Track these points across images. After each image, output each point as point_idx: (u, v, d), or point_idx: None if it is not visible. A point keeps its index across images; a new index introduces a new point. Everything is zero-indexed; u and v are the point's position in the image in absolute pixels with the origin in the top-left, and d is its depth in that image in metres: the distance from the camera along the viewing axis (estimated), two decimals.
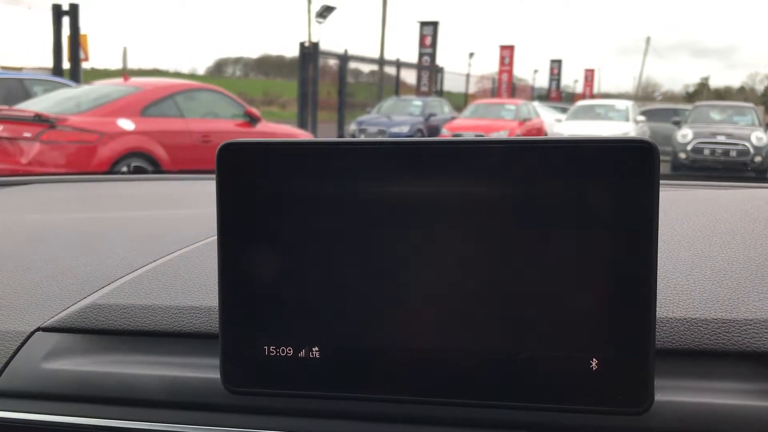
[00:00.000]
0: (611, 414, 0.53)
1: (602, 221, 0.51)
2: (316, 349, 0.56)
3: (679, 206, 0.85)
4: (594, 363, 0.53)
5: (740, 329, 0.58)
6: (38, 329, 0.69)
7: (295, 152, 0.55)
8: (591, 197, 0.51)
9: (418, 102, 16.21)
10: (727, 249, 0.69)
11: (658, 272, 0.55)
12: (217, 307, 0.57)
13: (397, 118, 14.56)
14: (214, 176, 0.56)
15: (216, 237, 0.56)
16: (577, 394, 0.53)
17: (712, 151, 10.89)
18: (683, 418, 0.56)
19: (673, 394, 0.57)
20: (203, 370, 0.63)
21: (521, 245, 0.53)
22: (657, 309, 0.56)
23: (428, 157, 0.53)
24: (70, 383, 0.64)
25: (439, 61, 24.24)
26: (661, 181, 0.51)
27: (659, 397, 0.54)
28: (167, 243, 0.82)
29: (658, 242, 0.52)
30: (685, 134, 11.23)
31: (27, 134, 5.43)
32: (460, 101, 24.93)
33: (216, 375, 0.58)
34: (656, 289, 0.51)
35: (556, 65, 41.04)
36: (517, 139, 0.53)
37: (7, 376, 0.66)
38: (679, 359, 0.59)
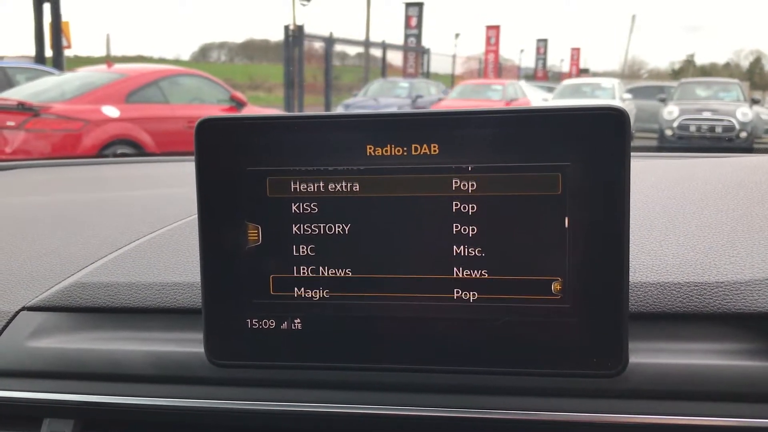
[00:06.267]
0: (586, 377, 0.54)
1: (575, 186, 0.52)
2: (298, 321, 0.57)
3: (655, 174, 0.86)
4: (568, 327, 0.54)
5: (711, 292, 0.60)
6: (23, 308, 0.69)
7: (273, 127, 0.56)
8: (563, 163, 0.52)
9: (404, 84, 16.15)
10: (699, 215, 0.71)
11: (632, 238, 0.56)
12: (200, 282, 0.58)
13: (384, 100, 14.49)
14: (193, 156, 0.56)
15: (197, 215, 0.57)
16: (553, 358, 0.54)
17: (698, 128, 10.90)
18: (656, 379, 0.57)
19: (646, 356, 0.58)
20: (188, 345, 0.64)
21: (495, 210, 0.54)
22: (631, 274, 0.58)
23: (405, 128, 0.54)
24: (56, 361, 0.65)
25: (425, 43, 24.17)
26: (641, 153, 0.52)
27: (633, 359, 0.56)
28: (150, 222, 0.82)
29: (633, 209, 0.53)
30: (671, 111, 11.25)
31: (11, 123, 5.37)
32: (446, 82, 24.83)
33: (200, 349, 0.59)
34: (629, 254, 0.52)
35: (542, 44, 40.90)
36: (493, 109, 0.53)
37: None
38: (653, 322, 0.61)
